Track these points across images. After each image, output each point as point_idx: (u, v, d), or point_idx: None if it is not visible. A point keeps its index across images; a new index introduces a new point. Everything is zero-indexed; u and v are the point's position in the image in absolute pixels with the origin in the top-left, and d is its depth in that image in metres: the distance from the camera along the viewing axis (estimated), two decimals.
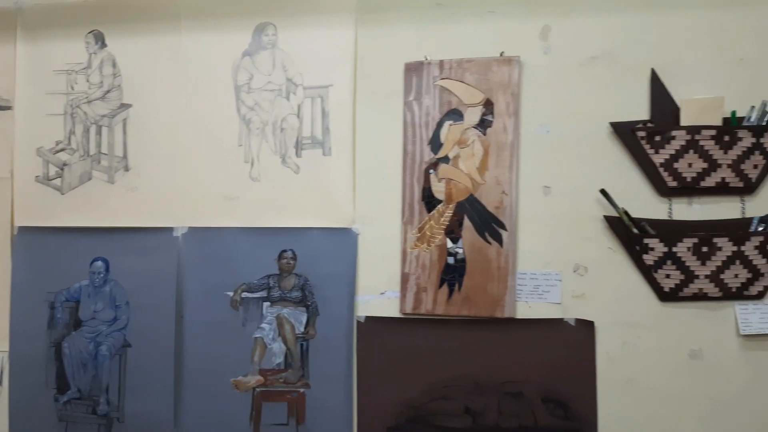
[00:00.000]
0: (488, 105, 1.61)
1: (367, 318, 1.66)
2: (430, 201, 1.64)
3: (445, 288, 1.62)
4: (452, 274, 1.62)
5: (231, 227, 1.70)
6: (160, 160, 1.73)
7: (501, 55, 1.61)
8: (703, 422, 1.53)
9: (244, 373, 1.68)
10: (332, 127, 1.67)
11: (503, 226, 1.60)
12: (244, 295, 1.69)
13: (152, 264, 1.73)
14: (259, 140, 1.70)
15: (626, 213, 1.52)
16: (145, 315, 1.73)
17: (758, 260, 1.48)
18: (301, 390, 1.66)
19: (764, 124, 1.48)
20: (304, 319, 1.67)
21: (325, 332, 1.66)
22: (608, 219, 1.55)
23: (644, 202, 1.55)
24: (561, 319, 1.58)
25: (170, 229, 1.73)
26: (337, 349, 1.65)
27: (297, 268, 1.67)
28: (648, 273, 1.53)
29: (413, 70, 1.64)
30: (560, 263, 1.59)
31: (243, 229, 1.69)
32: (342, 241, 1.66)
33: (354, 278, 1.66)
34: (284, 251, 1.68)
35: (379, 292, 1.66)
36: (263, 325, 1.69)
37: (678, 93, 1.54)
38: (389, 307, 1.65)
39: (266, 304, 1.69)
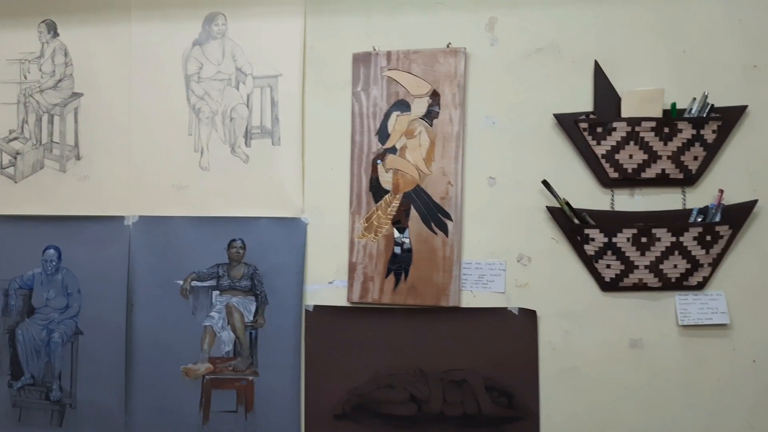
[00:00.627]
0: (435, 96, 1.62)
1: (316, 307, 1.67)
2: (377, 191, 1.65)
3: (391, 277, 1.63)
4: (399, 263, 1.63)
5: (181, 216, 1.71)
6: (111, 149, 1.74)
7: (448, 46, 1.61)
8: (642, 410, 1.55)
9: (193, 360, 1.70)
10: (281, 117, 1.68)
11: (449, 217, 1.61)
12: (194, 283, 1.70)
13: (103, 252, 1.74)
14: (209, 129, 1.70)
15: (567, 204, 1.54)
16: (96, 303, 1.74)
17: (697, 251, 1.50)
18: (250, 378, 1.68)
19: (704, 116, 1.50)
20: (253, 307, 1.69)
21: (273, 321, 1.67)
22: (551, 210, 1.56)
23: (587, 193, 1.57)
24: (505, 308, 1.60)
25: (121, 218, 1.74)
26: (286, 338, 1.67)
27: (246, 258, 1.69)
28: (589, 263, 1.55)
29: (361, 60, 1.65)
30: (504, 253, 1.61)
31: (193, 219, 1.70)
32: (291, 231, 1.67)
33: (303, 267, 1.67)
34: (233, 240, 1.69)
35: (327, 281, 1.67)
36: (213, 313, 1.70)
37: (622, 85, 1.55)
38: (337, 297, 1.67)
39: (216, 292, 1.70)
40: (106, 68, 1.75)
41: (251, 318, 1.69)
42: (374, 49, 1.65)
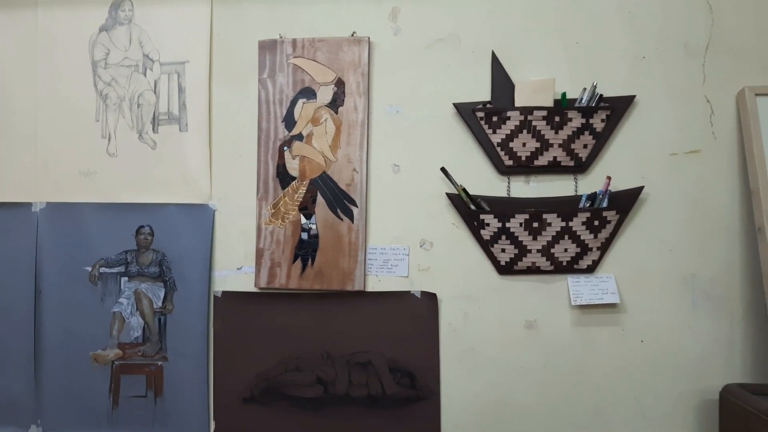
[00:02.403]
0: (340, 84, 1.64)
1: (224, 293, 1.69)
2: (284, 178, 1.67)
3: (298, 263, 1.66)
4: (306, 249, 1.66)
5: (89, 203, 1.70)
6: (18, 136, 1.72)
7: (352, 35, 1.64)
8: (537, 388, 1.61)
9: (103, 347, 1.70)
10: (188, 103, 1.68)
11: (354, 203, 1.64)
12: (102, 270, 1.70)
13: (10, 239, 1.72)
14: (116, 116, 1.70)
15: (464, 190, 1.58)
16: (4, 290, 1.73)
17: (586, 235, 1.56)
18: (159, 363, 1.69)
19: (593, 105, 1.55)
20: (161, 294, 1.70)
21: (182, 307, 1.69)
22: (450, 196, 1.61)
23: (487, 180, 1.62)
24: (408, 292, 1.64)
25: (28, 205, 1.72)
26: (195, 324, 1.68)
27: (154, 244, 1.69)
28: (486, 247, 1.60)
29: (267, 48, 1.66)
30: (408, 238, 1.65)
31: (100, 205, 1.70)
32: (199, 217, 1.69)
33: (210, 254, 1.69)
34: (142, 227, 1.69)
35: (235, 267, 1.69)
36: (121, 299, 1.71)
37: (518, 75, 1.60)
38: (246, 282, 1.69)
39: (124, 279, 1.71)
40: (12, 54, 1.73)
41: (160, 304, 1.70)
42: (280, 37, 1.66)
